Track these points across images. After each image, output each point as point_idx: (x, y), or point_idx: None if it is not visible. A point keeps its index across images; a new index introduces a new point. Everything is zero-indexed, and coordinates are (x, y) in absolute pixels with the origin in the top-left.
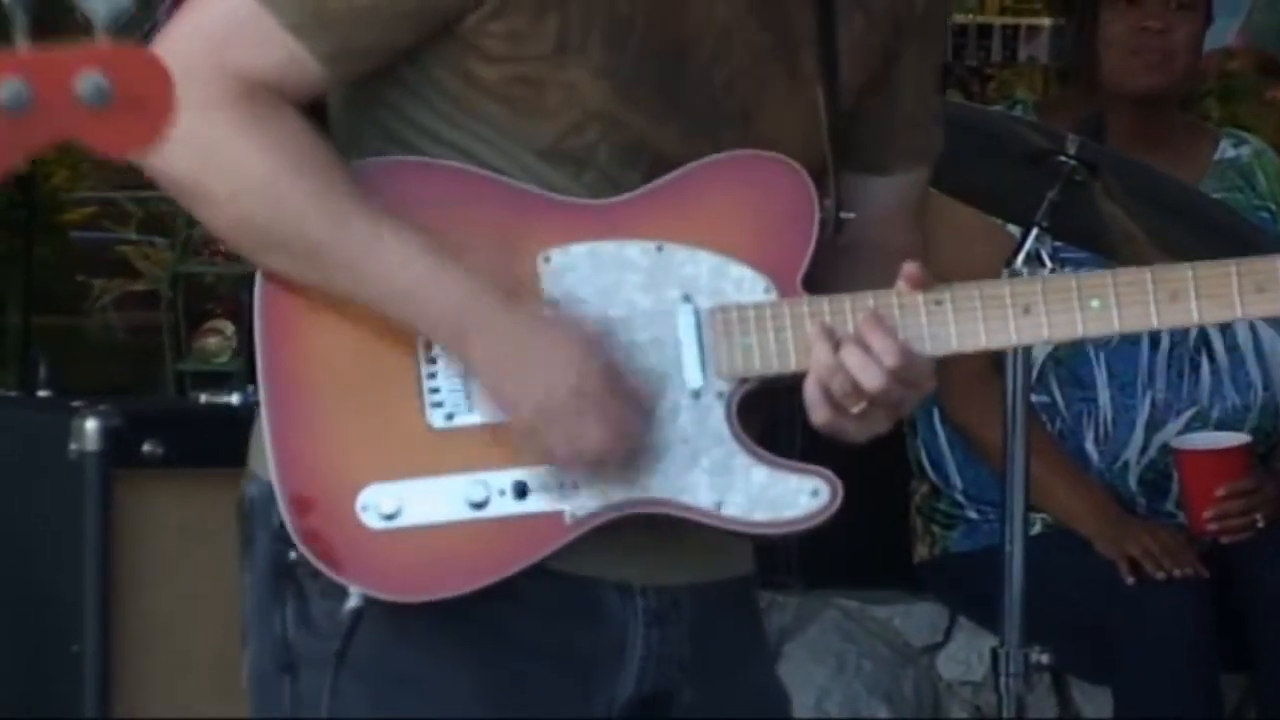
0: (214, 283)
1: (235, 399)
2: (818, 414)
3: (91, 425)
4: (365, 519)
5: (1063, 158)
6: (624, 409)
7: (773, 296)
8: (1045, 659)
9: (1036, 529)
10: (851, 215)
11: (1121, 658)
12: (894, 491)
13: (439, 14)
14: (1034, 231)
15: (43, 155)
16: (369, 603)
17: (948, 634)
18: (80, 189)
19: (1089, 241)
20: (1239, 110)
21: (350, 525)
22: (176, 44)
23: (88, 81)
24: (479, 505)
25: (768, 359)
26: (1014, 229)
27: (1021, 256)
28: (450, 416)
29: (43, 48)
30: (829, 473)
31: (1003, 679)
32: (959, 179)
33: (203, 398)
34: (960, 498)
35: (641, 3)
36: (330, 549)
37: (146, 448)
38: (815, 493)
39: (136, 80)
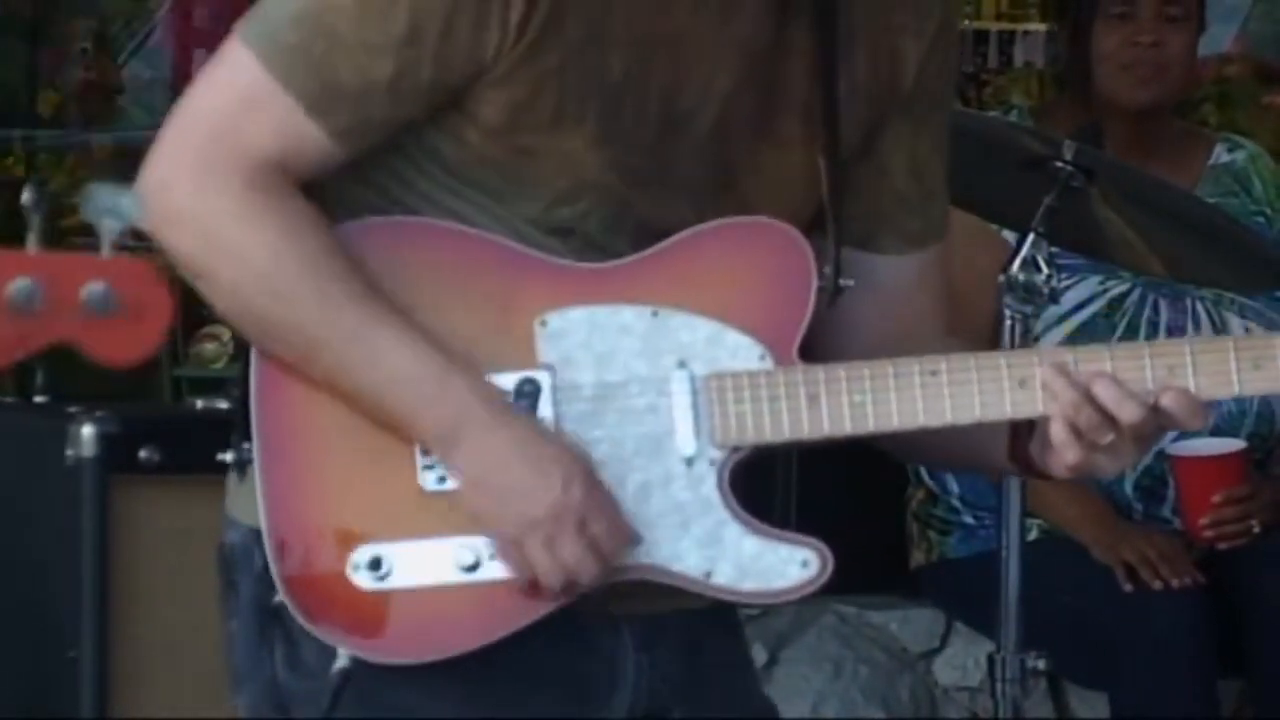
0: None
1: (229, 456)
2: (1069, 454)
3: (88, 431)
4: (356, 579)
5: (1059, 163)
6: (603, 532)
7: (768, 364)
8: (1042, 664)
9: (1033, 535)
10: (851, 283)
11: (1118, 663)
12: (891, 497)
13: (448, 89)
14: (1030, 237)
15: (38, 354)
16: (357, 663)
17: (944, 639)
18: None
19: (1085, 247)
20: (1236, 116)
21: (341, 585)
22: (189, 122)
23: (94, 290)
24: (469, 569)
25: (761, 427)
26: (1010, 235)
27: (1018, 262)
28: (442, 479)
29: (54, 253)
30: (819, 543)
31: (999, 684)
32: (955, 185)
33: (199, 403)
34: (957, 503)
35: (635, 71)
36: (320, 608)
37: (143, 454)
38: (805, 564)
39: (138, 291)
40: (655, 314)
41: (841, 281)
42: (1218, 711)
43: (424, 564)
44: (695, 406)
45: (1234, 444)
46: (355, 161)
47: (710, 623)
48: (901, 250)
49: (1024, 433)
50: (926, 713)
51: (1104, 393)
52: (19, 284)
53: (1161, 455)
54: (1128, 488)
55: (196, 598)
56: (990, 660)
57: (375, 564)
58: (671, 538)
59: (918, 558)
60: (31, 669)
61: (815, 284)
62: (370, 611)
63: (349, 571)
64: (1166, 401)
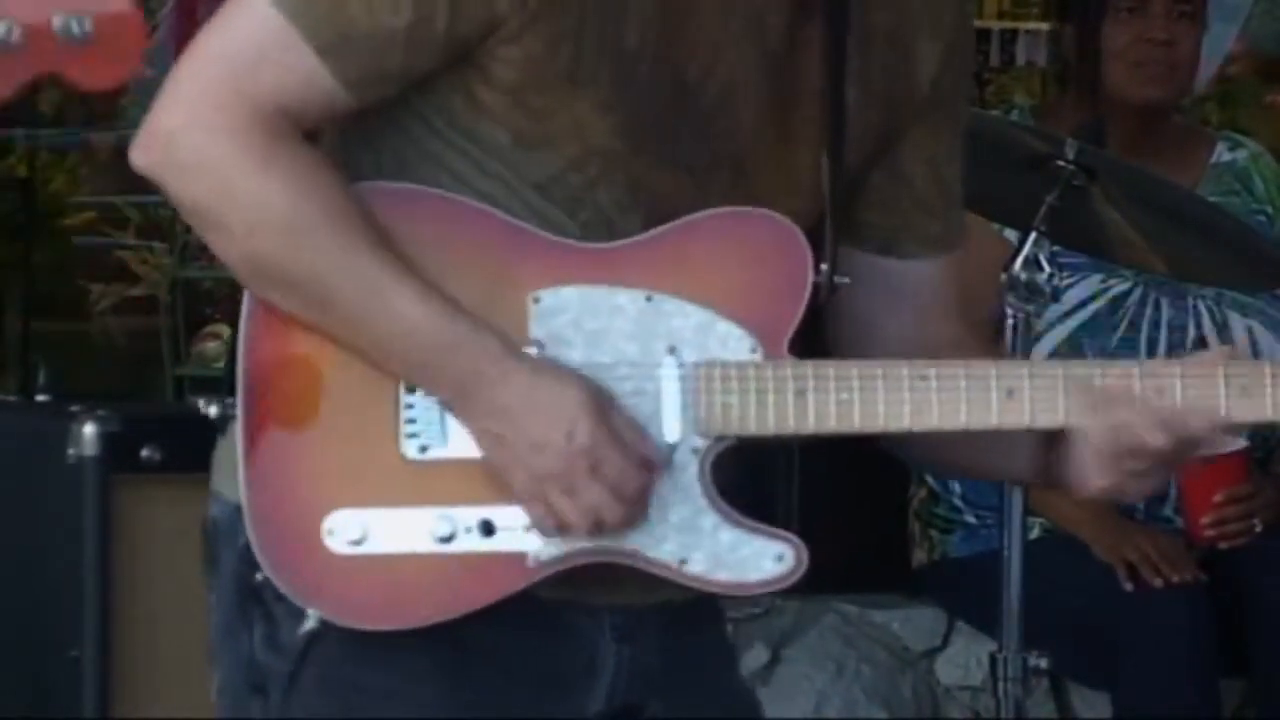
0: (212, 288)
1: (213, 410)
2: (1104, 477)
3: (90, 430)
4: (330, 543)
5: (1061, 162)
6: (618, 472)
7: (758, 356)
8: (1044, 663)
9: (1035, 534)
10: (846, 280)
11: (1120, 662)
12: (893, 496)
13: (462, 41)
14: (1032, 236)
15: (25, 90)
16: (326, 626)
17: (946, 638)
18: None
19: (1087, 246)
20: (1238, 114)
21: (314, 548)
22: (201, 67)
23: (67, 20)
24: (445, 540)
25: (746, 419)
26: (1012, 234)
27: (1020, 261)
28: (424, 449)
29: None
30: (795, 538)
31: (1001, 683)
32: None
33: (201, 402)
34: (959, 502)
35: (650, 40)
36: (292, 570)
37: (145, 452)
38: (780, 558)
39: (111, 19)
40: (649, 299)
41: (837, 279)
42: (1219, 710)
43: (400, 532)
44: (683, 394)
45: (1235, 443)
46: (364, 121)
47: (691, 617)
48: (922, 255)
49: (1053, 444)
50: (928, 712)
51: (1138, 419)
52: None
53: None
54: None
55: (198, 597)
56: (992, 659)
57: (351, 529)
58: (649, 524)
59: (920, 557)
60: (33, 668)
61: (811, 280)
62: (342, 576)
63: (324, 536)
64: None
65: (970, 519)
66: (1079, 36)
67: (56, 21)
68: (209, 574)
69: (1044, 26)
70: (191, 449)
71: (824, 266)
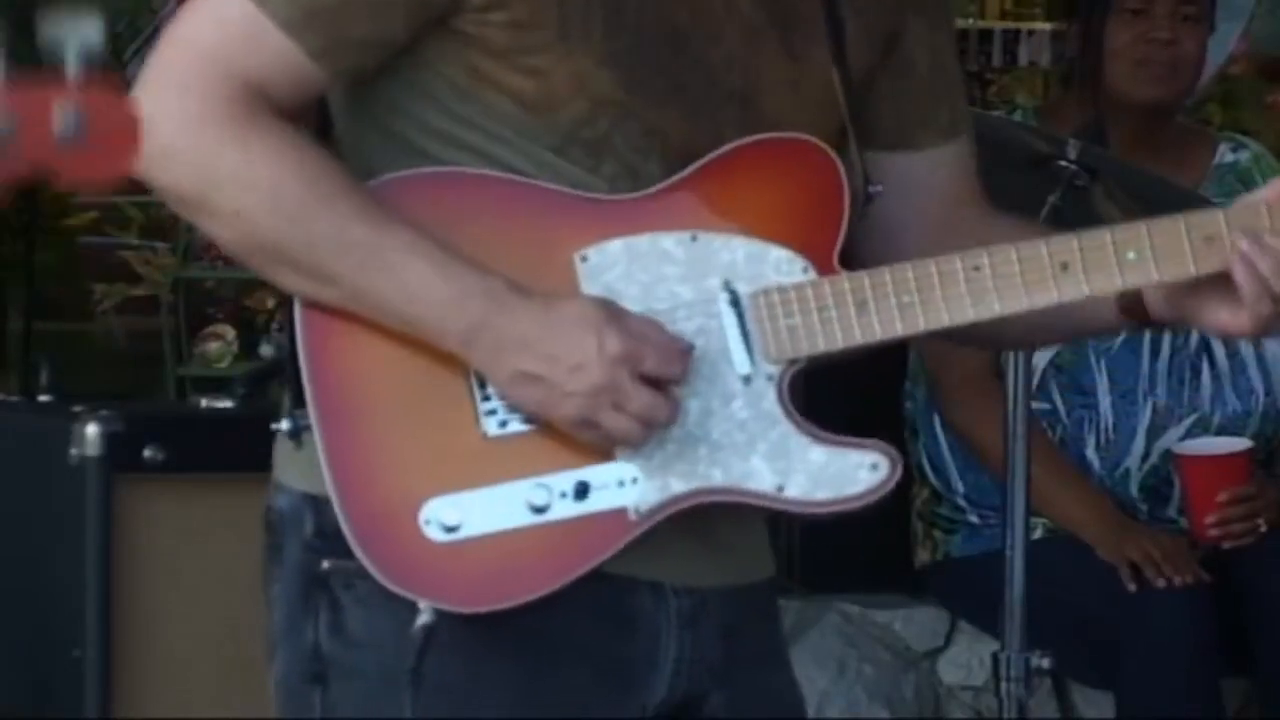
0: (215, 287)
1: (285, 425)
2: (1263, 306)
3: (93, 430)
4: (429, 533)
5: (1063, 162)
6: (659, 365)
7: (811, 276)
8: (1046, 664)
9: (1038, 534)
10: (879, 188)
11: (1123, 662)
12: (895, 496)
13: (430, 5)
14: None
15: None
16: (439, 616)
17: (949, 638)
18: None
19: None
20: (1241, 115)
21: (415, 541)
22: (171, 55)
23: (65, 117)
24: (541, 510)
25: (814, 338)
26: None
27: None
28: (504, 424)
29: (22, 83)
30: (887, 446)
31: (1004, 684)
32: None
33: (204, 402)
34: (961, 502)
35: None
36: (398, 566)
37: (148, 453)
38: (875, 467)
39: (108, 118)
40: (694, 238)
41: (871, 188)
42: (1222, 711)
43: (495, 510)
44: (744, 325)
45: (1239, 443)
46: (369, 113)
47: (749, 610)
48: (937, 143)
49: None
50: (931, 712)
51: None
52: None
53: (1167, 455)
54: (1133, 487)
55: (201, 596)
56: (995, 659)
57: (447, 516)
58: (740, 456)
59: (922, 557)
60: (36, 668)
61: (848, 191)
62: (448, 563)
63: (422, 527)
64: None
65: (973, 519)
66: (1083, 34)
67: (56, 119)
68: (272, 564)
69: (1047, 27)
70: (194, 449)
71: (856, 180)
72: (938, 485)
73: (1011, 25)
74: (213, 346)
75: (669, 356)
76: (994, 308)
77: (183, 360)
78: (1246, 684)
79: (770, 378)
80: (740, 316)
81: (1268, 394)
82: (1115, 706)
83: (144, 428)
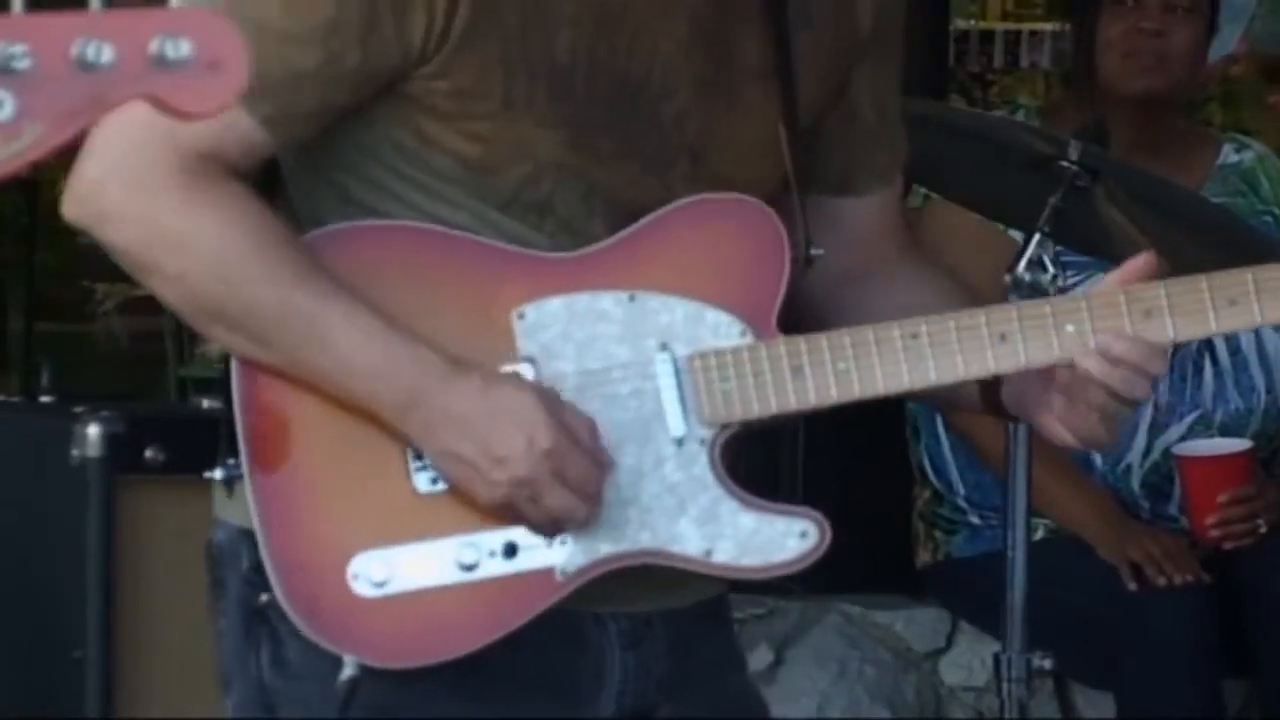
0: None
1: (219, 473)
2: (1088, 421)
3: (94, 431)
4: (357, 588)
5: (1065, 163)
6: (581, 474)
7: (749, 339)
8: (1047, 664)
9: (1039, 534)
10: (821, 251)
11: (1124, 663)
12: (896, 497)
13: (378, 75)
14: (1036, 237)
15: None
16: (364, 671)
17: (950, 639)
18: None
19: (1091, 247)
20: (1242, 115)
21: (343, 594)
22: (118, 117)
23: (165, 44)
24: (469, 568)
25: (748, 402)
26: (1016, 234)
27: (1024, 262)
28: (435, 480)
29: (118, 11)
30: (816, 513)
31: (1005, 684)
32: (961, 185)
33: (205, 403)
34: (962, 503)
35: (582, 50)
36: (324, 618)
37: (149, 453)
38: (804, 535)
39: (213, 43)
40: (632, 298)
41: (812, 251)
42: (1223, 712)
43: (424, 566)
44: (680, 387)
45: (1240, 444)
46: (317, 166)
47: (698, 621)
48: (874, 189)
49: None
50: (932, 713)
51: (1122, 365)
52: (86, 44)
53: (1169, 453)
54: (1134, 486)
55: (201, 597)
56: (996, 660)
57: (375, 571)
58: (669, 519)
59: (923, 557)
60: (36, 669)
61: (789, 256)
62: (374, 618)
63: (349, 581)
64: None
65: (974, 520)
66: (1077, 30)
67: (154, 46)
68: (217, 598)
69: (1048, 27)
70: (195, 450)
71: (797, 239)
72: (939, 486)
73: (1013, 26)
74: (214, 347)
75: (588, 473)
76: (930, 377)
77: (184, 361)
78: (1247, 684)
79: (703, 441)
80: (677, 379)
81: (1269, 391)
82: (1116, 707)
83: (145, 428)
